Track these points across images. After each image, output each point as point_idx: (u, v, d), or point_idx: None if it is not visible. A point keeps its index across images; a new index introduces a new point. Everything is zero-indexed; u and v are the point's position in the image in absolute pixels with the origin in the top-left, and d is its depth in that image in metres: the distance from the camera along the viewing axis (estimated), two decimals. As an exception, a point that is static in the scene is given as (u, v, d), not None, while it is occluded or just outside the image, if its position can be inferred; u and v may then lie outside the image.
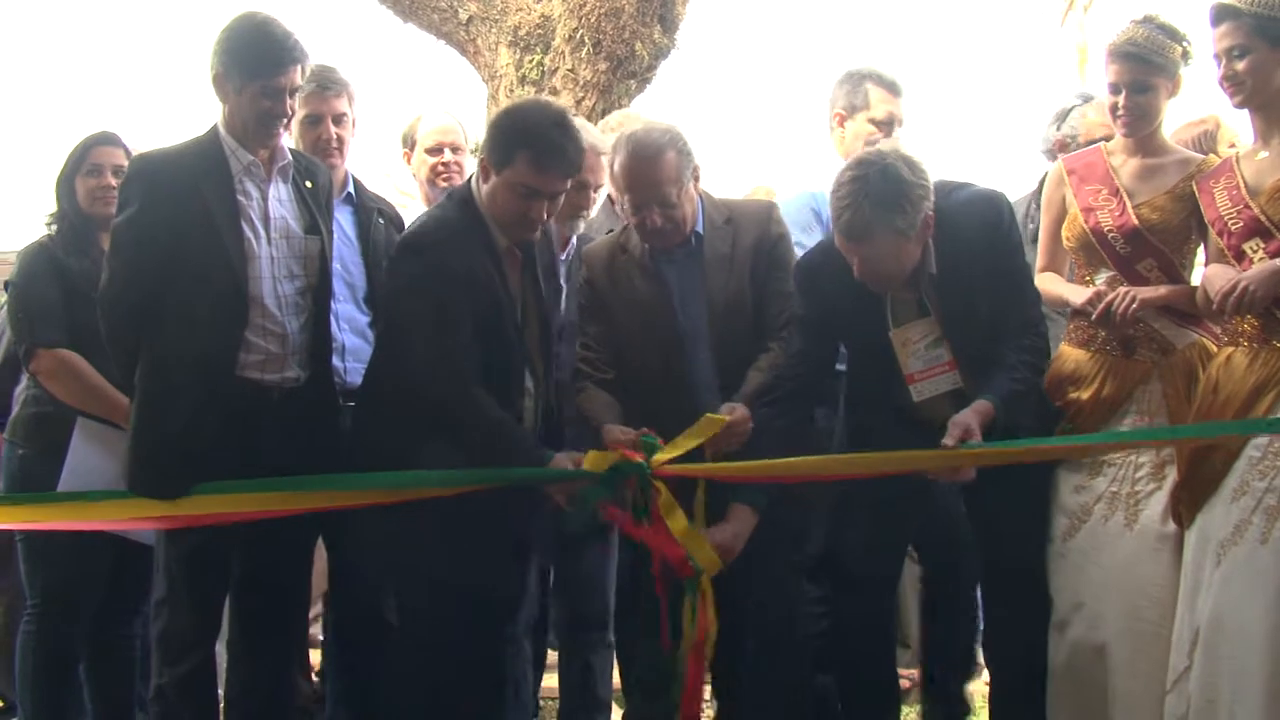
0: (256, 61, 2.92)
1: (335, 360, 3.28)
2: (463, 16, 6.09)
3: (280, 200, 3.04)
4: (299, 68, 2.96)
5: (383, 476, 2.88)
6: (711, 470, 2.93)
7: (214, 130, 3.02)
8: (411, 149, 4.00)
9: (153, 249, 2.90)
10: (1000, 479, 2.95)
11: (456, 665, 2.96)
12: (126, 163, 3.43)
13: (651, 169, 2.98)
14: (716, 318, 3.07)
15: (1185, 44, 3.07)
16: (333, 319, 3.29)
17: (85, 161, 3.47)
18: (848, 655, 3.20)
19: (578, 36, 5.81)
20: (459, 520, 2.86)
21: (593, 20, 5.79)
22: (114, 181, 3.42)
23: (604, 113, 5.74)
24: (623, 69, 5.83)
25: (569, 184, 3.01)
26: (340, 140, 3.50)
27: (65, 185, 3.48)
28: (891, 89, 3.76)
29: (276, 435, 2.94)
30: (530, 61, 5.89)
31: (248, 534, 3.02)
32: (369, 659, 3.27)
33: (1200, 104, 3.35)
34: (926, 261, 2.95)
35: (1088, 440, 3.08)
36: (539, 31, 5.94)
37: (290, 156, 3.08)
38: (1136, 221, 3.06)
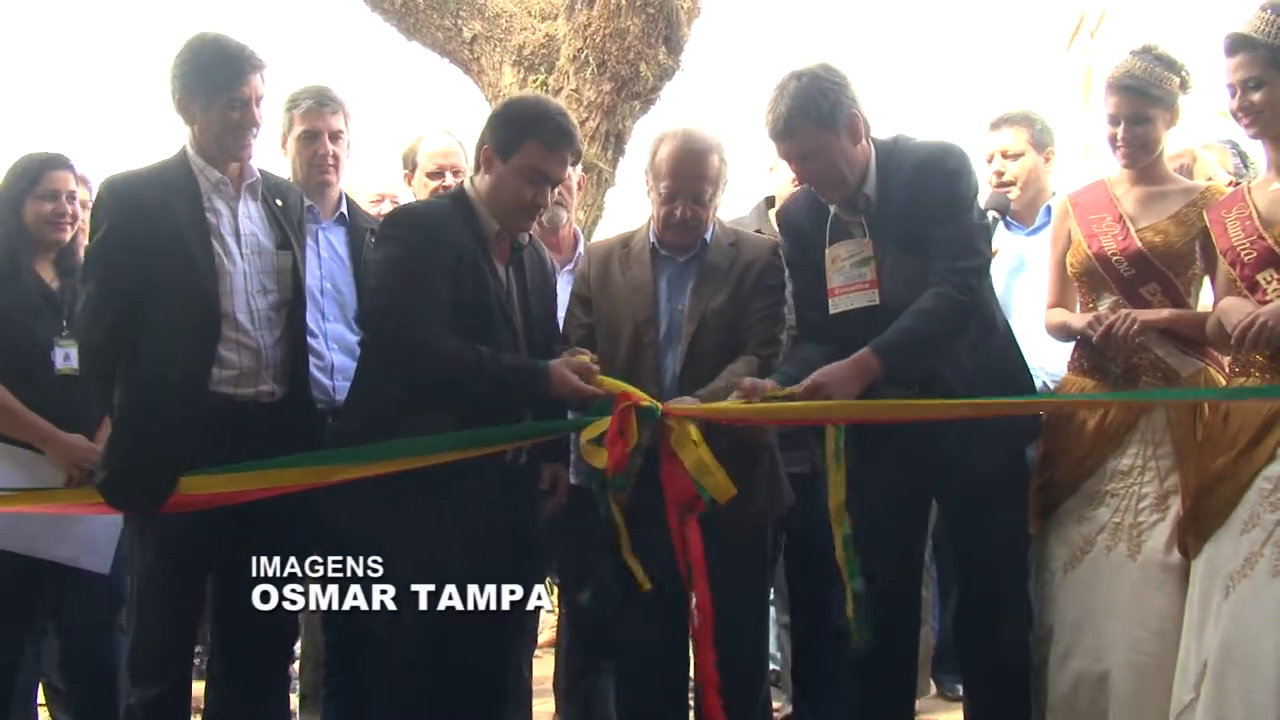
0: (217, 75, 2.96)
1: (324, 378, 3.27)
2: (467, 35, 6.08)
3: (250, 217, 3.06)
4: (259, 75, 3.00)
5: (378, 447, 2.86)
6: (714, 411, 2.93)
7: (182, 152, 3.05)
8: (413, 171, 3.92)
9: (124, 268, 2.91)
10: (973, 488, 2.99)
11: (455, 689, 2.92)
12: (77, 188, 3.44)
13: (698, 162, 3.11)
14: (694, 321, 3.10)
15: (1183, 74, 3.09)
16: (322, 338, 3.31)
17: (39, 184, 3.41)
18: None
19: (582, 57, 5.80)
20: (462, 532, 2.83)
21: (597, 41, 5.77)
22: (69, 208, 3.42)
23: (608, 134, 5.75)
24: (627, 90, 5.81)
25: (569, 171, 3.14)
26: (336, 158, 3.49)
27: (8, 206, 3.41)
28: None
29: (254, 450, 2.91)
30: (534, 81, 5.87)
31: (228, 542, 2.96)
32: (364, 680, 3.22)
33: (1193, 131, 3.36)
34: (867, 183, 3.03)
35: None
36: (543, 51, 5.93)
37: (258, 174, 3.10)
38: (1140, 244, 3.06)
